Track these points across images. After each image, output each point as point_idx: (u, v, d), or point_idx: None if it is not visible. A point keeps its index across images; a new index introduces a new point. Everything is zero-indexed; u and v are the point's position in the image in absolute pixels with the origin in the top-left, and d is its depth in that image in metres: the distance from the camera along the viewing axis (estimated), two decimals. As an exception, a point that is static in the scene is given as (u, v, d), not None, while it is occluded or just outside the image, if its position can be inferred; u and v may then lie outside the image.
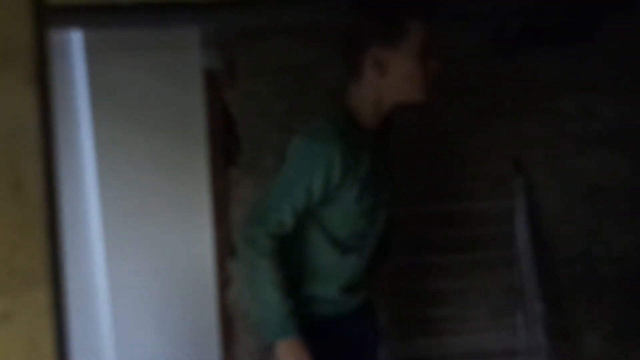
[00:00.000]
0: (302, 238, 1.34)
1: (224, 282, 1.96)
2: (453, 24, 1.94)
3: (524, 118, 2.06)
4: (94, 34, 1.81)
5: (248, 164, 1.97)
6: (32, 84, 0.42)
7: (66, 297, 0.45)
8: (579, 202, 2.13)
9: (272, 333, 1.28)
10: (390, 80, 1.27)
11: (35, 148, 0.42)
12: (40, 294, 0.42)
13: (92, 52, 1.84)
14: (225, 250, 1.95)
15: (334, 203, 1.29)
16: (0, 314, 0.43)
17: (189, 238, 1.97)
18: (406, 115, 1.93)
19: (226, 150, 1.95)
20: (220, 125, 1.94)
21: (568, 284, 2.17)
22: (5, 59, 0.42)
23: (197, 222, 1.95)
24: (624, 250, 2.18)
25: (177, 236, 1.96)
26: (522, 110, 2.05)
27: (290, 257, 1.31)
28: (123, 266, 1.94)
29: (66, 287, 0.46)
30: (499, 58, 1.98)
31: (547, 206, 2.11)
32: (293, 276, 1.31)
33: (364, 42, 1.26)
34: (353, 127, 1.29)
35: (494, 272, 2.11)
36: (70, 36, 1.83)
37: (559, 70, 2.04)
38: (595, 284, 2.18)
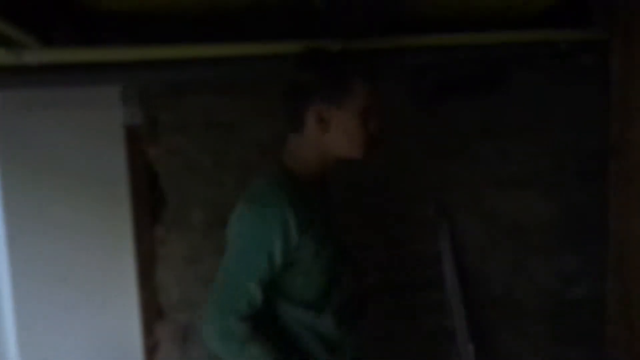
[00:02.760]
0: (273, 316, 1.26)
1: (151, 346, 1.88)
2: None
3: (446, 163, 2.13)
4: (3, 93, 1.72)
5: (174, 220, 1.93)
6: None
7: None
8: (501, 241, 2.22)
9: None
10: (331, 136, 1.27)
11: None
12: None
13: (2, 111, 1.75)
14: (152, 312, 1.88)
15: (293, 267, 1.23)
16: None
17: (113, 302, 1.88)
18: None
19: (151, 208, 1.90)
20: (143, 183, 1.89)
21: (495, 321, 2.24)
22: None
23: (122, 284, 1.88)
24: (545, 285, 2.28)
25: (100, 301, 1.87)
26: (444, 156, 2.13)
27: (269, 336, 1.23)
28: (39, 337, 1.82)
29: None
30: (420, 109, 2.06)
31: (471, 247, 2.19)
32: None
33: (308, 97, 1.26)
34: (294, 182, 1.26)
35: (425, 314, 2.15)
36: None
37: (476, 118, 2.14)
38: (519, 319, 2.26)
